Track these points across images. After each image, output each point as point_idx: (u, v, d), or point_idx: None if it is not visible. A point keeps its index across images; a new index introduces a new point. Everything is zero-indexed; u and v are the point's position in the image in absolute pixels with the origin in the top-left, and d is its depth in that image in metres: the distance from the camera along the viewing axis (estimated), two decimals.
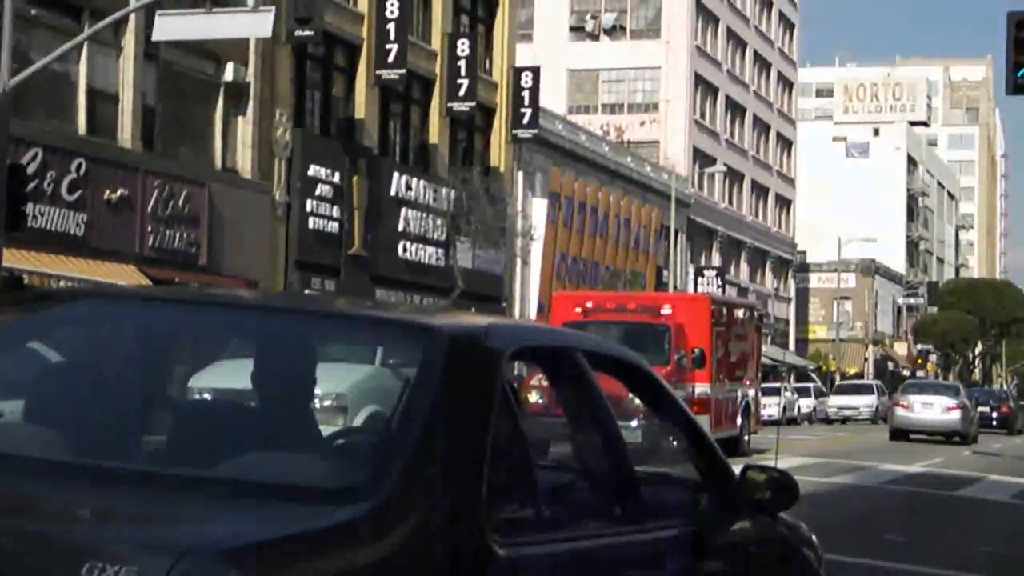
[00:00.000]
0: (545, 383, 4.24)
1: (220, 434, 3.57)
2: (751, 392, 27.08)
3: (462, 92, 38.47)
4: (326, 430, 3.83)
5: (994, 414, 46.40)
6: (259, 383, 3.87)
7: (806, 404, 53.15)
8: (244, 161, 30.35)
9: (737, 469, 4.65)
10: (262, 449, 3.44)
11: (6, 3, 20.14)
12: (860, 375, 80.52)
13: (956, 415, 35.33)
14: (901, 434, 35.26)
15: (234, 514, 2.98)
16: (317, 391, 3.96)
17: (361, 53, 34.81)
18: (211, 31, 21.55)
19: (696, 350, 23.34)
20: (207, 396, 4.12)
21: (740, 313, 27.79)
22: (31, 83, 21.10)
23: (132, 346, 4.01)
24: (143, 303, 4.23)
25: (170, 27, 21.78)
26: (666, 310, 24.36)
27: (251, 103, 30.19)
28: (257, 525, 2.89)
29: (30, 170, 22.84)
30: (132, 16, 23.78)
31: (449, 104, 38.51)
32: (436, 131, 38.71)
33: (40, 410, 3.72)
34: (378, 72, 34.84)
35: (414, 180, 36.88)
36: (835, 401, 53.95)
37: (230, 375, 3.97)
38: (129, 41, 26.33)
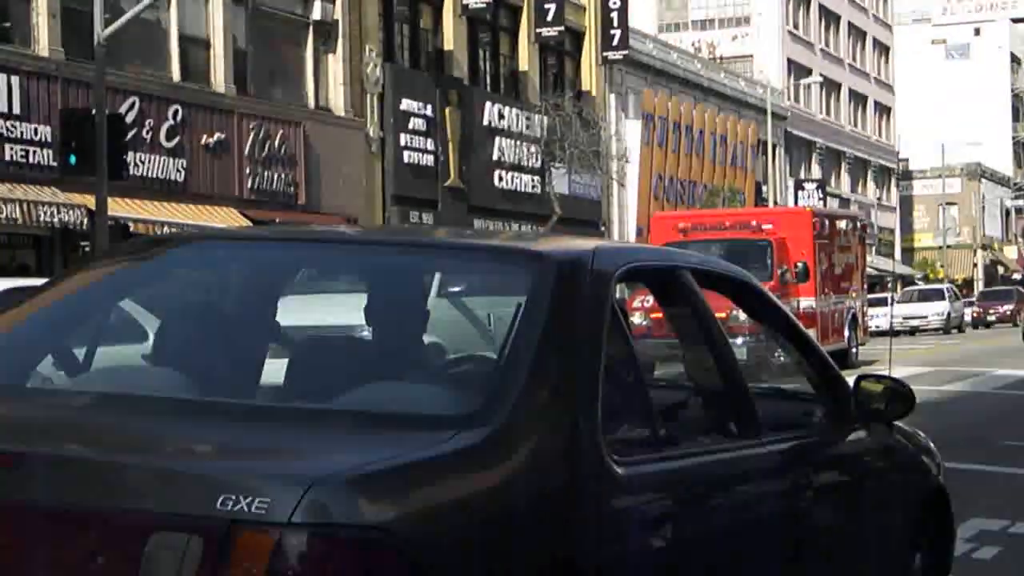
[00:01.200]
0: (648, 305, 4.24)
1: (337, 368, 3.61)
2: (857, 303, 26.77)
3: (550, 17, 38.16)
4: (441, 359, 3.90)
5: None
6: (371, 316, 3.93)
7: (884, 313, 50.92)
8: (336, 99, 30.48)
9: (851, 380, 4.62)
10: (379, 380, 3.48)
11: None
12: (969, 282, 79.08)
13: None
14: None
15: (357, 444, 3.01)
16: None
17: None
18: None
19: (799, 264, 23.18)
20: (321, 332, 4.21)
21: (842, 224, 27.34)
22: (124, 33, 21.34)
23: (246, 286, 4.08)
24: (252, 244, 4.31)
25: None
26: (767, 225, 24.14)
27: (340, 40, 30.26)
28: (380, 453, 2.90)
29: (128, 119, 23.20)
30: None
31: (537, 30, 38.23)
32: (526, 58, 38.48)
33: (164, 352, 3.83)
34: (464, 2, 34.65)
35: (506, 108, 36.75)
36: (900, 310, 46.82)
37: (323, 309, 4.01)
38: None
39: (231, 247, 4.25)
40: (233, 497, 2.64)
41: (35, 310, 3.87)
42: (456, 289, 4.73)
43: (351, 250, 4.12)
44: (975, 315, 54.55)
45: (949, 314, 48.69)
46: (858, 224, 28.99)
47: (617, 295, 3.74)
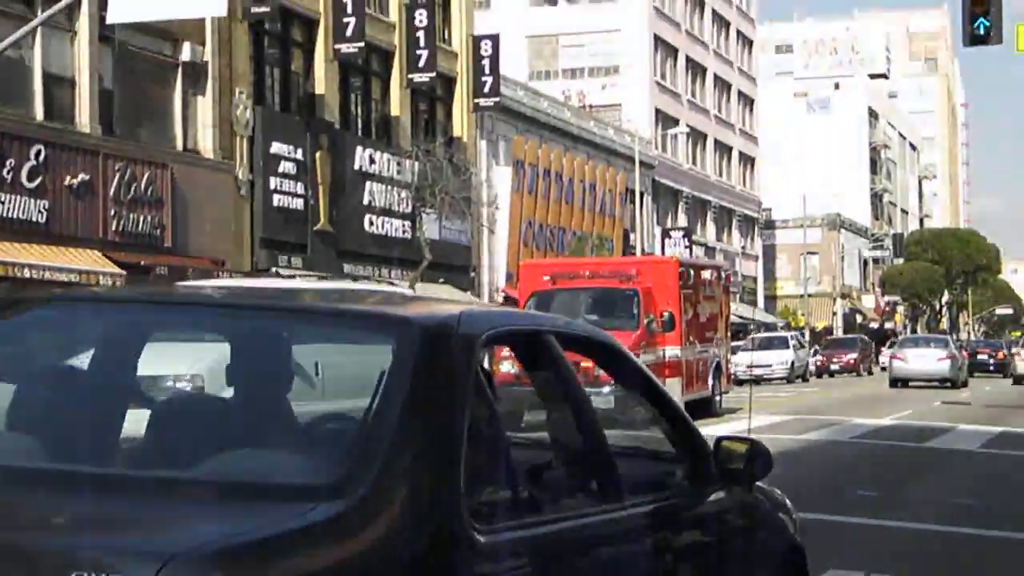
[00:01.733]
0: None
1: (195, 434, 3.57)
2: (722, 352, 27.22)
3: (422, 63, 38.32)
4: (303, 425, 3.85)
5: (992, 360, 53.98)
6: (232, 381, 3.89)
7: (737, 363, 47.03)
8: (205, 141, 30.17)
9: (711, 436, 4.72)
10: (238, 448, 3.45)
11: None
12: (829, 329, 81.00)
13: (946, 364, 40.72)
14: (899, 382, 40.37)
15: (216, 516, 2.99)
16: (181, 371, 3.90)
17: (319, 27, 34.62)
18: (166, 12, 21.33)
19: (665, 313, 23.28)
20: (180, 395, 4.13)
21: (707, 274, 27.63)
22: None
23: (103, 349, 3.99)
24: (110, 306, 4.23)
25: (125, 9, 21.53)
26: (634, 274, 24.24)
27: (210, 82, 30.00)
28: (240, 526, 2.89)
29: None
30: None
31: (409, 75, 38.37)
32: (397, 103, 38.58)
33: (15, 419, 3.71)
34: (337, 46, 34.65)
35: (377, 153, 36.77)
36: (743, 358, 41.01)
37: (150, 359, 3.96)
38: (83, 24, 26.08)
39: (88, 309, 4.17)
40: (85, 573, 2.61)
41: None
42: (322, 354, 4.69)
43: (213, 313, 4.07)
44: (819, 364, 54.26)
45: (793, 363, 47.28)
46: (722, 273, 29.43)
47: (483, 359, 3.75)
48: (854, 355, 56.29)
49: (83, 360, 4.00)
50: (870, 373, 55.99)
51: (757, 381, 44.05)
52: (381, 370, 3.40)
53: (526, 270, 26.98)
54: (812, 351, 55.20)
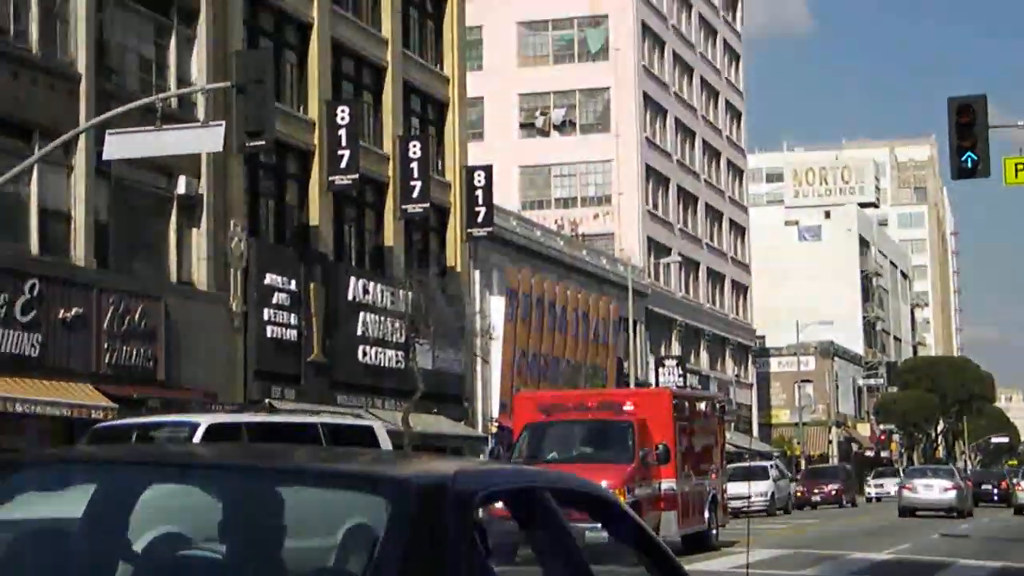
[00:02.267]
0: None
1: None
2: (717, 484, 26.94)
3: (415, 194, 38.62)
4: None
5: (995, 490, 54.93)
6: (225, 539, 3.88)
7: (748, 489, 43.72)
8: (199, 273, 30.24)
9: (707, 565, 4.67)
10: None
11: None
12: (825, 457, 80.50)
13: (953, 494, 42.25)
14: (908, 511, 41.40)
15: None
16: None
17: (313, 160, 34.95)
18: (162, 148, 21.54)
19: (660, 446, 23.03)
20: (175, 557, 4.07)
21: (702, 405, 27.57)
22: None
23: (92, 510, 3.99)
24: (98, 465, 4.25)
25: (121, 145, 21.74)
26: (628, 406, 24.04)
27: (204, 215, 30.17)
28: None
29: None
30: (82, 134, 23.78)
31: (403, 206, 38.64)
32: (391, 233, 38.79)
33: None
34: (331, 178, 34.94)
35: (371, 284, 36.87)
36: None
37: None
38: (80, 159, 26.31)
39: (81, 469, 4.20)
40: None
41: None
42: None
43: (205, 474, 4.07)
44: (799, 494, 51.58)
45: (773, 494, 44.71)
46: (717, 404, 29.31)
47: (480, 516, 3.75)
48: (837, 485, 54.31)
49: (75, 520, 3.99)
50: (854, 504, 53.83)
51: (736, 515, 40.15)
52: (376, 530, 3.42)
53: (520, 402, 26.86)
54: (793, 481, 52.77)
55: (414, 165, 38.71)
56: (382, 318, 36.94)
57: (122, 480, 4.05)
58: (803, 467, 63.19)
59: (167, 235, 29.48)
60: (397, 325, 37.30)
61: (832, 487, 54.01)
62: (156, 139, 21.50)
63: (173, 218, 29.54)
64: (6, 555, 3.82)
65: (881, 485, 61.79)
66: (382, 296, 37.16)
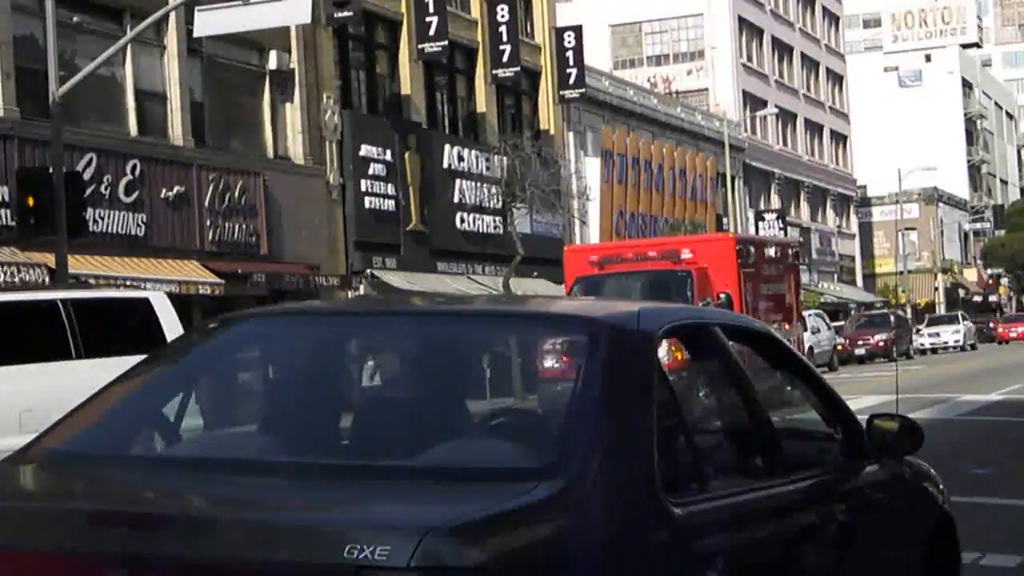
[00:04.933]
0: (558, 347, 4.58)
1: (413, 428, 4.03)
2: (792, 333, 25.51)
3: (505, 58, 38.35)
4: (504, 417, 4.30)
5: None
6: (434, 381, 4.30)
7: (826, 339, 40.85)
8: (295, 147, 30.49)
9: (862, 414, 5.08)
10: (456, 439, 3.94)
11: (49, 12, 20.32)
12: (932, 305, 79.63)
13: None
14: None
15: (455, 496, 3.42)
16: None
17: (402, 29, 34.79)
18: (251, 22, 21.56)
19: (722, 295, 21.65)
20: (392, 396, 4.54)
21: (772, 251, 25.42)
22: (80, 89, 21.28)
23: (315, 356, 4.43)
24: (316, 318, 4.73)
25: (210, 22, 21.84)
26: (687, 254, 22.68)
27: (297, 89, 30.30)
28: (477, 504, 3.30)
29: (86, 176, 23.10)
30: (172, 14, 23.90)
31: (494, 71, 38.42)
32: (483, 99, 38.64)
33: (253, 419, 4.28)
34: (420, 46, 34.80)
35: (465, 151, 36.86)
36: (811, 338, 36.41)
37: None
38: (172, 39, 26.50)
39: (298, 321, 4.64)
40: (358, 547, 3.04)
41: (134, 384, 4.33)
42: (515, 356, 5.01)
43: (409, 320, 4.50)
44: (841, 348, 43.56)
45: (812, 348, 37.72)
46: (791, 251, 27.24)
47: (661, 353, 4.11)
48: (884, 336, 46.15)
49: (298, 367, 4.48)
50: (908, 356, 46.23)
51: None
52: (576, 366, 3.84)
53: (571, 255, 25.21)
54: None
55: (503, 29, 38.39)
56: (478, 184, 36.99)
57: (333, 330, 4.47)
58: (908, 315, 62.12)
59: (261, 111, 29.70)
60: (493, 191, 37.34)
61: (879, 338, 46.05)
62: (245, 14, 21.53)
63: (266, 94, 29.72)
64: (250, 398, 4.38)
65: (937, 334, 54.80)
66: (477, 162, 37.16)
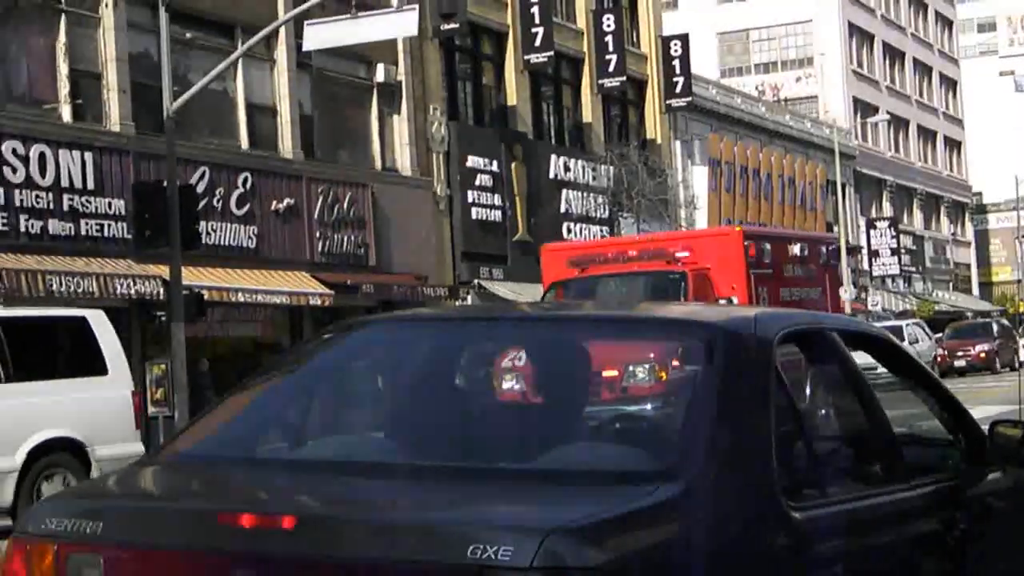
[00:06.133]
0: (520, 365, 4.56)
1: (530, 431, 4.07)
2: None
3: (612, 67, 38.30)
4: (621, 421, 4.34)
5: None
6: (549, 385, 4.35)
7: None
8: (403, 159, 30.76)
9: (983, 421, 5.01)
10: (575, 442, 3.98)
11: (163, 29, 20.79)
12: None
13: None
14: None
15: (576, 497, 3.44)
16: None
17: (508, 40, 34.94)
18: (358, 36, 21.85)
19: (723, 302, 18.09)
20: (507, 400, 4.63)
21: (796, 249, 21.42)
22: (192, 104, 21.72)
23: (432, 361, 4.48)
24: (431, 323, 4.85)
25: (319, 36, 22.17)
26: (683, 253, 19.32)
27: (404, 101, 30.58)
28: (600, 505, 3.34)
29: (199, 189, 23.55)
30: (282, 29, 24.28)
31: (600, 81, 38.39)
32: (589, 109, 38.63)
33: (373, 423, 4.39)
34: (526, 57, 34.91)
35: (572, 160, 36.88)
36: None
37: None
38: (281, 53, 26.92)
39: (415, 327, 4.76)
40: (481, 547, 3.10)
41: (258, 389, 4.47)
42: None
43: (522, 325, 4.57)
44: (939, 360, 40.20)
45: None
46: (825, 248, 22.80)
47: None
48: (986, 346, 42.26)
49: (416, 372, 4.53)
50: (1013, 368, 40.87)
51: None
52: (693, 371, 3.92)
53: (547, 256, 21.51)
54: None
55: (609, 39, 38.34)
56: (584, 194, 36.97)
57: (451, 335, 4.54)
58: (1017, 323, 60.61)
59: (369, 123, 30.03)
60: (600, 200, 37.29)
61: (980, 348, 42.15)
62: (353, 27, 21.83)
63: (374, 106, 30.04)
64: (368, 401, 4.51)
65: None
66: (583, 172, 37.15)
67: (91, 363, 12.77)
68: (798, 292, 20.87)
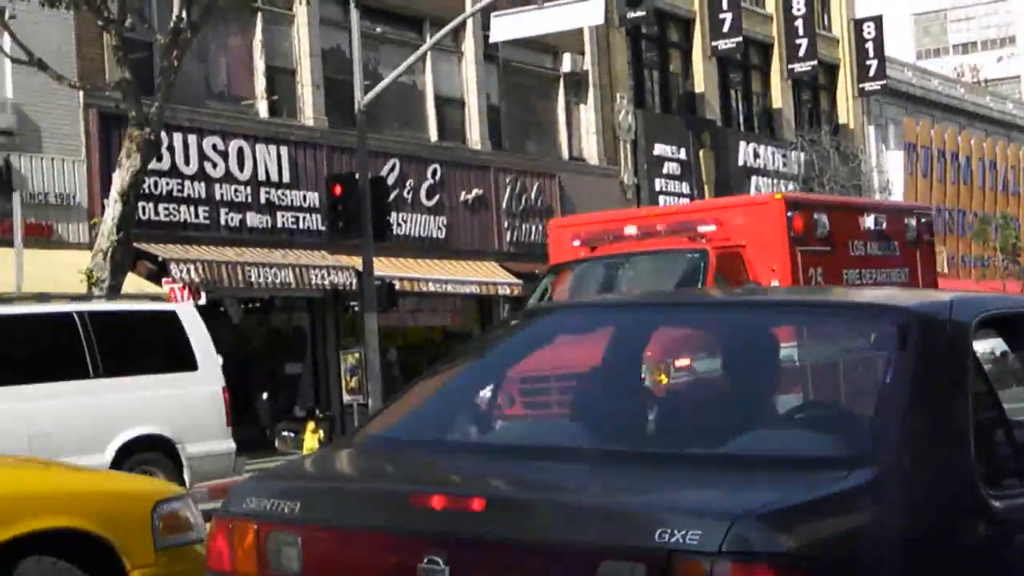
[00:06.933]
0: (698, 352, 4.43)
1: (716, 417, 4.07)
2: None
3: (802, 52, 37.59)
4: (810, 407, 4.30)
5: None
6: (736, 371, 4.31)
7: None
8: (590, 148, 30.76)
9: None
10: (760, 428, 3.93)
11: (354, 24, 21.23)
12: None
13: None
14: None
15: (765, 483, 3.40)
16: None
17: (695, 26, 34.59)
18: (546, 26, 21.90)
19: (749, 285, 14.80)
20: (696, 385, 4.67)
21: (868, 222, 17.00)
22: (383, 97, 22.11)
23: (616, 346, 4.49)
24: (614, 308, 4.89)
25: (506, 27, 22.32)
26: (707, 227, 15.54)
27: (591, 90, 30.57)
28: (789, 491, 3.29)
29: (390, 180, 23.97)
30: (470, 21, 24.52)
31: (790, 66, 37.72)
32: (779, 95, 37.99)
33: (569, 407, 4.44)
34: (714, 43, 34.51)
35: (761, 147, 36.33)
36: None
37: None
38: (469, 45, 27.18)
39: (602, 313, 4.80)
40: (669, 530, 3.10)
41: (448, 374, 4.54)
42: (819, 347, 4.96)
43: (710, 311, 4.54)
44: None
45: None
46: (914, 221, 18.22)
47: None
48: None
49: (603, 357, 4.51)
50: None
51: None
52: (883, 356, 3.86)
53: (555, 233, 17.79)
54: None
55: (799, 22, 37.64)
56: (774, 181, 36.36)
57: (636, 321, 4.55)
58: None
59: (556, 113, 30.11)
60: (791, 187, 36.62)
61: None
62: (539, 18, 21.90)
63: (560, 96, 30.10)
64: (563, 387, 4.55)
65: None
66: (773, 159, 36.56)
67: (181, 358, 12.38)
68: (871, 274, 16.81)
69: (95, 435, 11.50)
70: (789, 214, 15.68)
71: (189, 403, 12.40)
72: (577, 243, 16.40)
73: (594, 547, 3.18)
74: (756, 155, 36.05)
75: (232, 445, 12.81)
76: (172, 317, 12.67)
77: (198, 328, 12.73)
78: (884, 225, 17.27)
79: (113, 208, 15.41)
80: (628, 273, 15.30)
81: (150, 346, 12.69)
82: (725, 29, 34.38)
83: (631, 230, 16.15)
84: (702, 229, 15.52)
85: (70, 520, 5.21)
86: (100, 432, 11.62)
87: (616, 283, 15.16)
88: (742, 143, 35.76)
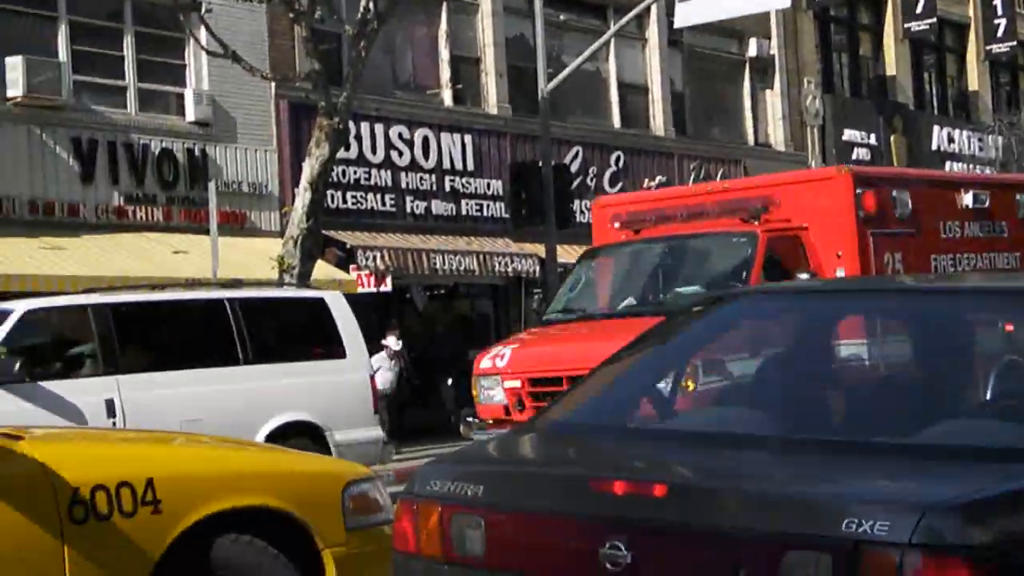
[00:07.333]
0: (890, 338, 4.24)
1: (908, 406, 3.96)
2: None
3: (1000, 32, 36.31)
4: (1009, 397, 4.14)
5: None
6: (930, 359, 4.22)
7: None
8: (776, 133, 30.26)
9: None
10: (954, 417, 3.80)
11: (537, 12, 21.28)
12: None
13: None
14: None
15: (957, 474, 3.31)
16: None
17: (886, 8, 33.71)
18: (731, 11, 21.61)
19: (805, 276, 12.66)
20: (885, 373, 4.56)
21: (967, 199, 14.63)
22: (565, 85, 22.11)
23: (802, 333, 4.46)
24: (803, 296, 4.79)
25: (691, 13, 22.08)
26: (764, 206, 13.58)
27: (777, 75, 30.06)
28: (981, 483, 3.20)
29: (573, 168, 23.98)
30: (654, 7, 24.33)
31: (987, 47, 36.48)
32: (975, 77, 36.76)
33: (742, 394, 4.41)
34: (907, 25, 33.58)
35: (956, 131, 35.22)
36: None
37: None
38: (653, 32, 26.99)
39: (790, 299, 4.73)
40: (856, 520, 3.04)
41: (629, 360, 4.51)
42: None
43: (900, 298, 4.46)
44: None
45: None
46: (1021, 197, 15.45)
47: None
48: None
49: (790, 344, 4.50)
50: None
51: None
52: None
53: (598, 212, 15.37)
54: None
55: (997, 2, 36.40)
56: (970, 166, 35.19)
57: (823, 308, 4.47)
58: None
59: (741, 98, 29.71)
60: (988, 171, 35.39)
61: None
62: (725, 3, 21.61)
63: (746, 81, 29.68)
64: (743, 374, 4.49)
65: None
66: (969, 143, 35.39)
67: (329, 345, 12.31)
68: (970, 259, 14.48)
69: (245, 421, 11.48)
70: (858, 191, 13.47)
71: (337, 390, 12.37)
72: (617, 225, 14.41)
73: (778, 536, 3.14)
74: (951, 139, 34.96)
75: (380, 433, 12.84)
76: (321, 305, 12.57)
77: (346, 316, 12.60)
78: (987, 202, 14.85)
79: (303, 197, 15.77)
80: (664, 260, 13.55)
81: (299, 333, 12.71)
82: (919, 10, 33.43)
83: (678, 210, 14.28)
84: (758, 209, 13.51)
85: (265, 499, 5.30)
86: (250, 418, 11.63)
87: (647, 272, 13.53)
88: (936, 127, 34.71)
